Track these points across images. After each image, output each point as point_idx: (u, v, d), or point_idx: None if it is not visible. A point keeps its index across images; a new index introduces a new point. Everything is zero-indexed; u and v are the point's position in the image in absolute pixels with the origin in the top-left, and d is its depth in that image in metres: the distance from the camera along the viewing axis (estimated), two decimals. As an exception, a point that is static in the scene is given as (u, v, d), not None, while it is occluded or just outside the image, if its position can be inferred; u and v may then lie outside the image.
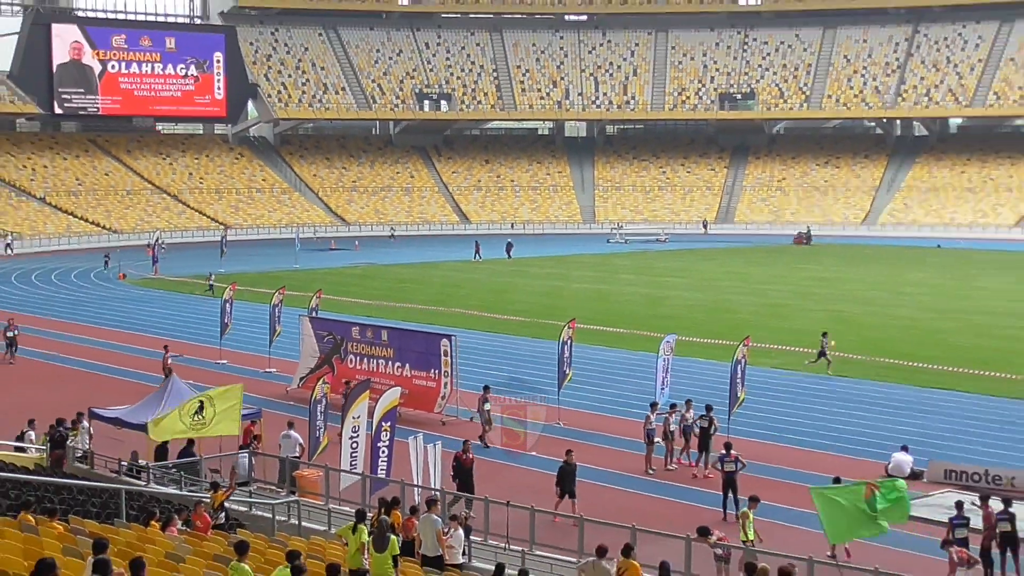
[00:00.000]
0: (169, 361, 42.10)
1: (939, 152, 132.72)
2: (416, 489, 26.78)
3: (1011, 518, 23.67)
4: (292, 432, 30.86)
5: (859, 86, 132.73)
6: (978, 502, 24.77)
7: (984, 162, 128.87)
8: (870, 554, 23.56)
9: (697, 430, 32.41)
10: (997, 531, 23.78)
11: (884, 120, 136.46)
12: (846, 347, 50.31)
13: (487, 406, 34.76)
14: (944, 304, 65.56)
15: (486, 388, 35.46)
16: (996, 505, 24.29)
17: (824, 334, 46.20)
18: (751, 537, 24.07)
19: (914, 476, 30.66)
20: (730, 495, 28.10)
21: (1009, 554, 23.82)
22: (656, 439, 32.25)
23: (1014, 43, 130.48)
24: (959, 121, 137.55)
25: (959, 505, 24.70)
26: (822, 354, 45.45)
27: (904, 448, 31.80)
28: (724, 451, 28.84)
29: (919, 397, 41.75)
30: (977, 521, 24.26)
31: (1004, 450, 33.95)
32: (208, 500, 25.13)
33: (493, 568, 20.80)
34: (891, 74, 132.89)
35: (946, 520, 24.45)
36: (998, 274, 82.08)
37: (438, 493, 25.10)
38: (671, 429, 32.36)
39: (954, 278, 79.25)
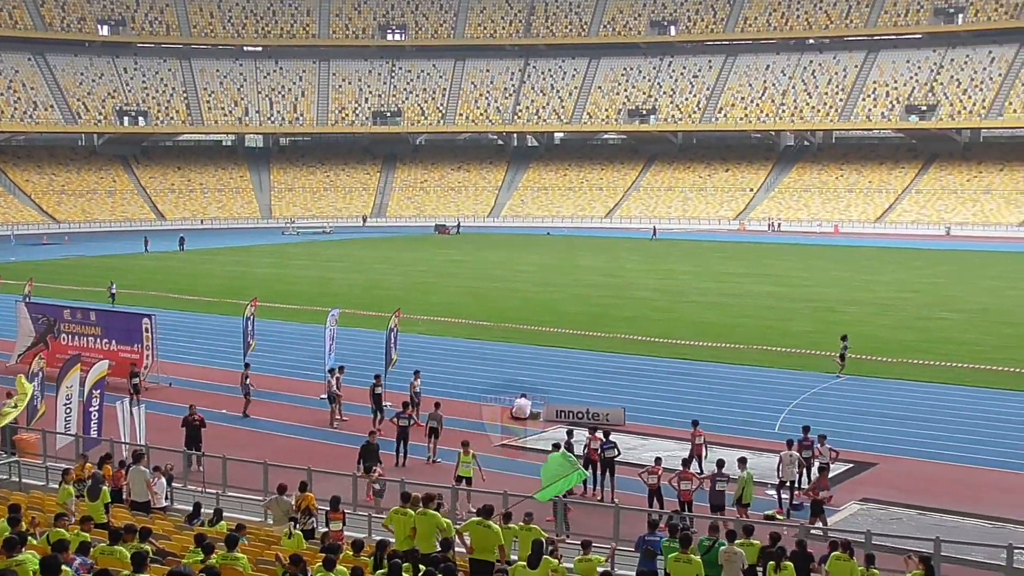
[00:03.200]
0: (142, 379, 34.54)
1: (547, 159, 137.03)
2: (124, 445, 25.85)
3: (613, 446, 24.66)
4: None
5: (484, 107, 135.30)
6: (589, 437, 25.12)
7: (581, 167, 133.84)
8: (511, 482, 24.04)
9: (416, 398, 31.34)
10: (604, 456, 24.64)
11: (504, 134, 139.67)
12: (479, 316, 51.36)
13: (248, 381, 32.85)
14: (553, 279, 67.51)
15: (247, 366, 33.78)
16: (602, 436, 25.15)
17: (843, 337, 39.13)
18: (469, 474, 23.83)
19: (533, 417, 31.61)
20: (403, 444, 27.44)
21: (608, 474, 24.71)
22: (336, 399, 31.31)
23: (600, 75, 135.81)
24: (561, 135, 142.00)
25: (569, 433, 25.57)
26: (842, 356, 38.40)
27: (523, 395, 32.71)
28: (401, 409, 28.73)
29: (536, 353, 42.89)
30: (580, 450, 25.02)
31: (602, 393, 35.28)
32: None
33: (191, 508, 20.30)
34: (508, 97, 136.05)
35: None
36: (593, 255, 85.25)
37: (144, 448, 24.16)
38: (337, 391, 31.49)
39: (560, 259, 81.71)
